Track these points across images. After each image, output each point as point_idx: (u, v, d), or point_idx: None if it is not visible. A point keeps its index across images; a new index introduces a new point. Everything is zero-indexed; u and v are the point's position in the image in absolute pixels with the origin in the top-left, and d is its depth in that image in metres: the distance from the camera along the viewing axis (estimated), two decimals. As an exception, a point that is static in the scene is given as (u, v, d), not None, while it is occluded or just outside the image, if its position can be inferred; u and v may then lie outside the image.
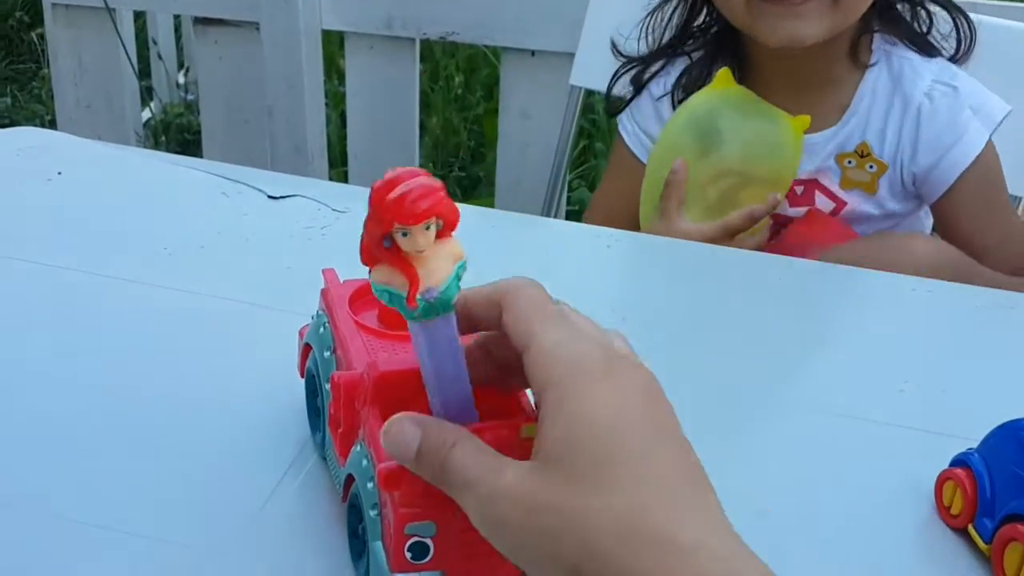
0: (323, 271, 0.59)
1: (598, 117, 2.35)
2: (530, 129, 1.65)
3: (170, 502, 0.56)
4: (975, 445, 0.58)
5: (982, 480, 0.56)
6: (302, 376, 0.60)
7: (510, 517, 0.39)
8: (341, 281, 0.59)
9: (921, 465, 0.61)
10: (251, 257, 0.79)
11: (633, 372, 0.42)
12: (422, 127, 2.28)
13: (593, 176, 2.31)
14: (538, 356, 0.42)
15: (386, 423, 0.44)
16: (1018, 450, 0.54)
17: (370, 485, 0.48)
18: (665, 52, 1.15)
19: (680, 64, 1.14)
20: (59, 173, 0.88)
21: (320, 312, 0.58)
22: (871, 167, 1.07)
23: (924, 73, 1.06)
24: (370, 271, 0.42)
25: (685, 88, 1.12)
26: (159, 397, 0.64)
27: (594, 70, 1.31)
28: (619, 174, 1.19)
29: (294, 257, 0.79)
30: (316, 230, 0.83)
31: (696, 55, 1.14)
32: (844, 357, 0.75)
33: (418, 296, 0.41)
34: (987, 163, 1.06)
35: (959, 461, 0.59)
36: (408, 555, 0.45)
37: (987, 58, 1.11)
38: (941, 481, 0.59)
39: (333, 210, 0.86)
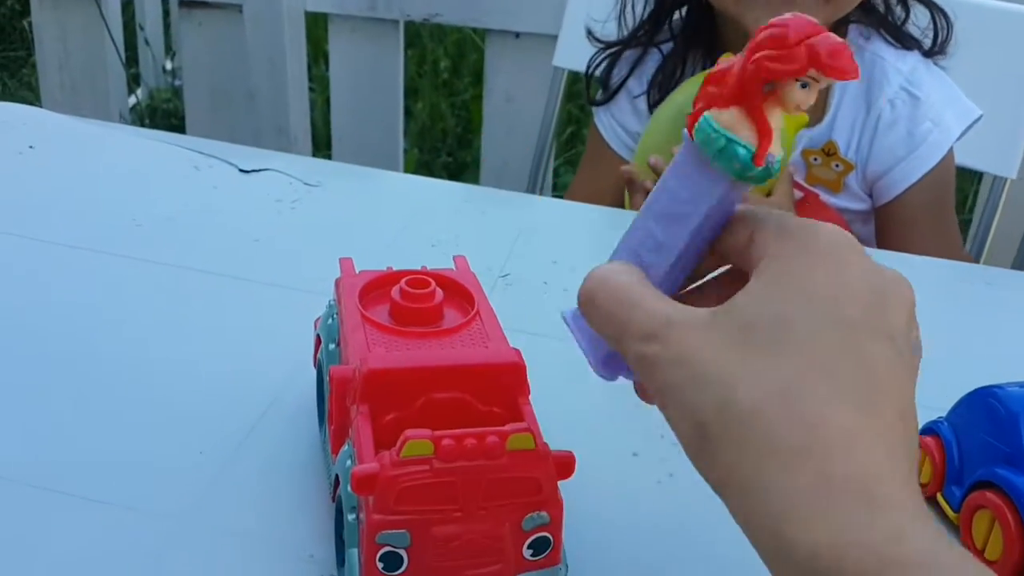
0: (340, 260, 0.56)
1: (586, 103, 2.34)
2: (515, 112, 1.64)
3: (131, 469, 0.55)
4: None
5: (950, 448, 0.55)
6: (315, 367, 0.58)
7: (671, 361, 0.35)
8: (357, 271, 0.55)
9: (892, 435, 0.61)
10: (219, 229, 0.78)
11: (872, 264, 0.37)
12: (409, 112, 2.27)
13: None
14: (760, 227, 0.38)
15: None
16: (987, 417, 0.54)
17: (351, 488, 0.45)
18: (637, 39, 1.13)
19: (653, 61, 1.13)
20: (31, 147, 0.87)
21: (332, 302, 0.56)
22: (837, 166, 1.06)
23: (893, 77, 1.04)
24: (708, 110, 0.37)
25: (660, 86, 1.11)
26: (125, 365, 0.63)
27: (577, 52, 1.30)
28: (595, 164, 1.18)
29: (263, 230, 0.78)
30: (287, 204, 0.83)
31: (667, 48, 1.12)
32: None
33: (766, 156, 0.37)
34: (937, 178, 1.05)
35: (928, 430, 0.58)
36: (380, 565, 0.43)
37: (973, 41, 1.11)
38: (910, 450, 0.59)
39: (305, 184, 0.85)
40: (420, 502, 0.42)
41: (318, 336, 0.57)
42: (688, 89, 1.05)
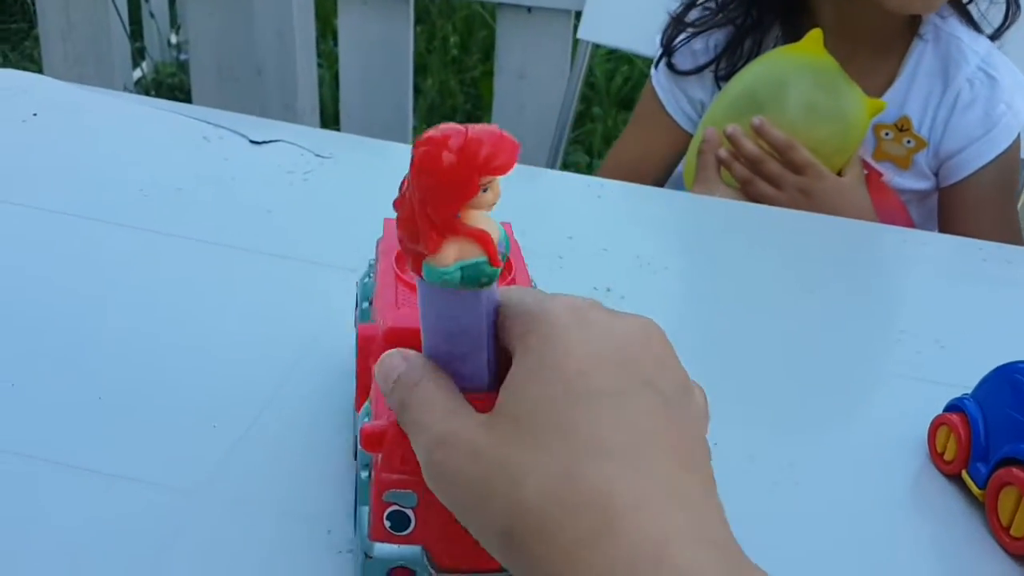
0: (385, 220, 0.55)
1: (596, 80, 2.32)
2: (527, 88, 1.63)
3: (145, 443, 0.54)
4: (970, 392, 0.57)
5: (976, 425, 0.54)
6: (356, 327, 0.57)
7: (451, 466, 0.36)
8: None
9: (916, 412, 0.60)
10: (229, 201, 0.77)
11: (613, 320, 0.38)
12: (417, 89, 2.25)
13: (590, 141, 2.28)
14: (507, 315, 0.38)
15: (382, 356, 0.41)
16: (1013, 393, 0.53)
17: (360, 444, 0.44)
18: (717, 15, 1.10)
19: (723, 30, 1.10)
20: (34, 114, 0.86)
21: (372, 262, 0.55)
22: (908, 142, 1.05)
23: (970, 57, 1.05)
24: (423, 263, 0.37)
25: (730, 58, 1.09)
26: (135, 337, 0.62)
27: (603, 24, 1.29)
28: (647, 125, 1.16)
29: (275, 201, 0.77)
30: (298, 175, 0.81)
31: (738, 20, 1.09)
32: (839, 307, 0.73)
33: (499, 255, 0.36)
34: (1006, 163, 1.05)
35: (953, 406, 0.57)
36: (387, 524, 0.43)
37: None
38: (935, 427, 0.58)
39: (316, 155, 0.84)
40: None
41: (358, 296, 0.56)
42: (759, 66, 1.03)
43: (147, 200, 0.76)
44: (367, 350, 0.47)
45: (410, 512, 0.42)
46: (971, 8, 1.07)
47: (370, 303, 0.52)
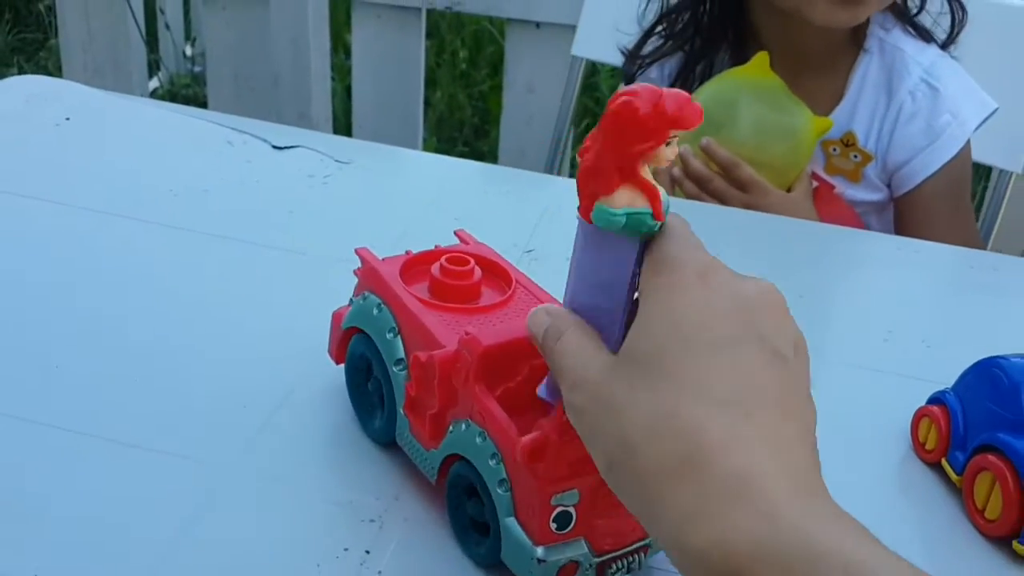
0: (356, 251, 0.58)
1: (602, 96, 2.37)
2: (535, 102, 1.67)
3: (183, 422, 0.58)
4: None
5: (955, 416, 0.58)
6: (337, 362, 0.59)
7: (585, 406, 0.40)
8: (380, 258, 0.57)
9: (900, 406, 0.63)
10: (254, 201, 0.81)
11: (736, 282, 0.40)
12: (427, 102, 2.30)
13: (596, 155, 2.32)
14: (645, 269, 0.41)
15: (532, 311, 0.45)
16: (991, 386, 0.56)
17: (492, 463, 0.47)
18: (666, 44, 1.14)
19: (674, 60, 1.14)
20: (67, 119, 0.90)
21: (368, 294, 0.56)
22: (855, 156, 1.09)
23: (913, 69, 1.07)
24: (596, 204, 0.40)
25: (684, 83, 1.12)
26: (166, 322, 0.66)
27: (596, 42, 1.32)
28: None
29: (296, 202, 0.81)
30: (319, 179, 0.85)
31: (687, 47, 1.13)
32: (832, 309, 0.77)
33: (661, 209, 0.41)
34: (955, 169, 1.08)
35: (935, 399, 0.61)
36: (553, 526, 0.46)
37: (980, 36, 1.13)
38: (917, 418, 0.61)
39: (336, 161, 0.88)
40: (586, 459, 0.42)
41: (351, 328, 0.57)
42: (711, 88, 1.07)
43: (177, 200, 0.80)
44: (447, 374, 0.49)
45: (572, 510, 0.46)
46: (924, 16, 1.10)
47: (395, 333, 0.54)
